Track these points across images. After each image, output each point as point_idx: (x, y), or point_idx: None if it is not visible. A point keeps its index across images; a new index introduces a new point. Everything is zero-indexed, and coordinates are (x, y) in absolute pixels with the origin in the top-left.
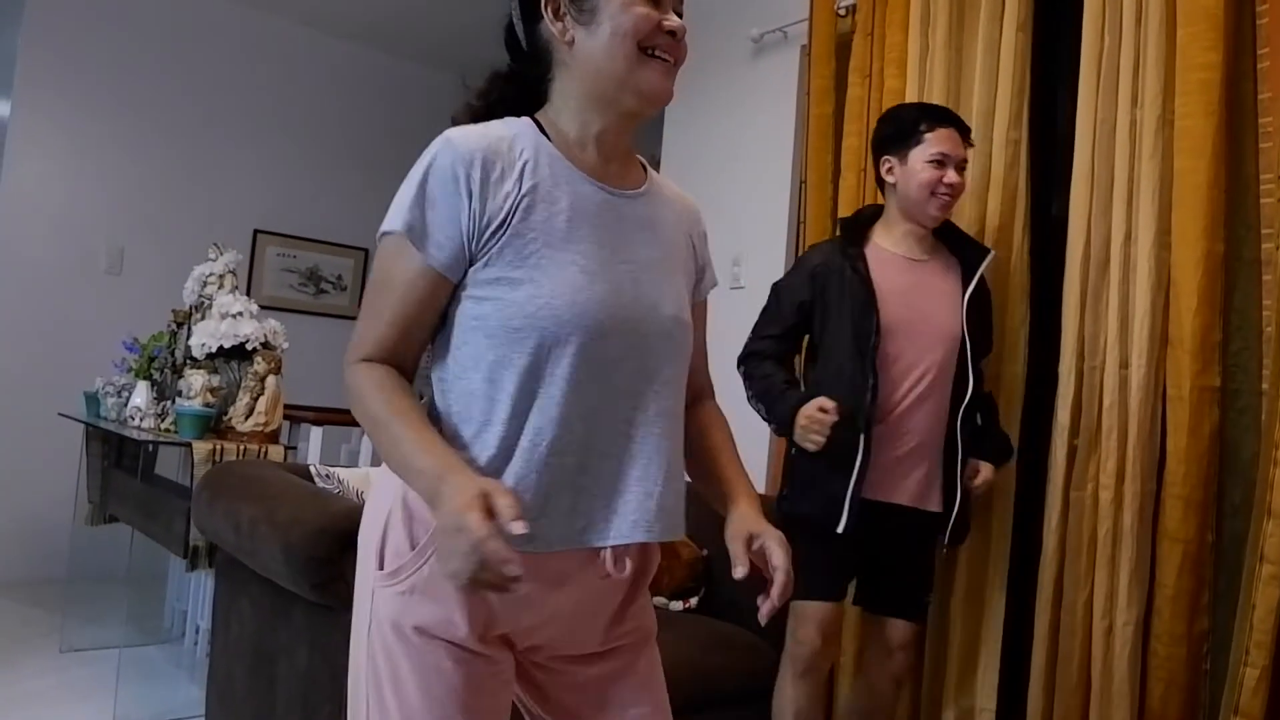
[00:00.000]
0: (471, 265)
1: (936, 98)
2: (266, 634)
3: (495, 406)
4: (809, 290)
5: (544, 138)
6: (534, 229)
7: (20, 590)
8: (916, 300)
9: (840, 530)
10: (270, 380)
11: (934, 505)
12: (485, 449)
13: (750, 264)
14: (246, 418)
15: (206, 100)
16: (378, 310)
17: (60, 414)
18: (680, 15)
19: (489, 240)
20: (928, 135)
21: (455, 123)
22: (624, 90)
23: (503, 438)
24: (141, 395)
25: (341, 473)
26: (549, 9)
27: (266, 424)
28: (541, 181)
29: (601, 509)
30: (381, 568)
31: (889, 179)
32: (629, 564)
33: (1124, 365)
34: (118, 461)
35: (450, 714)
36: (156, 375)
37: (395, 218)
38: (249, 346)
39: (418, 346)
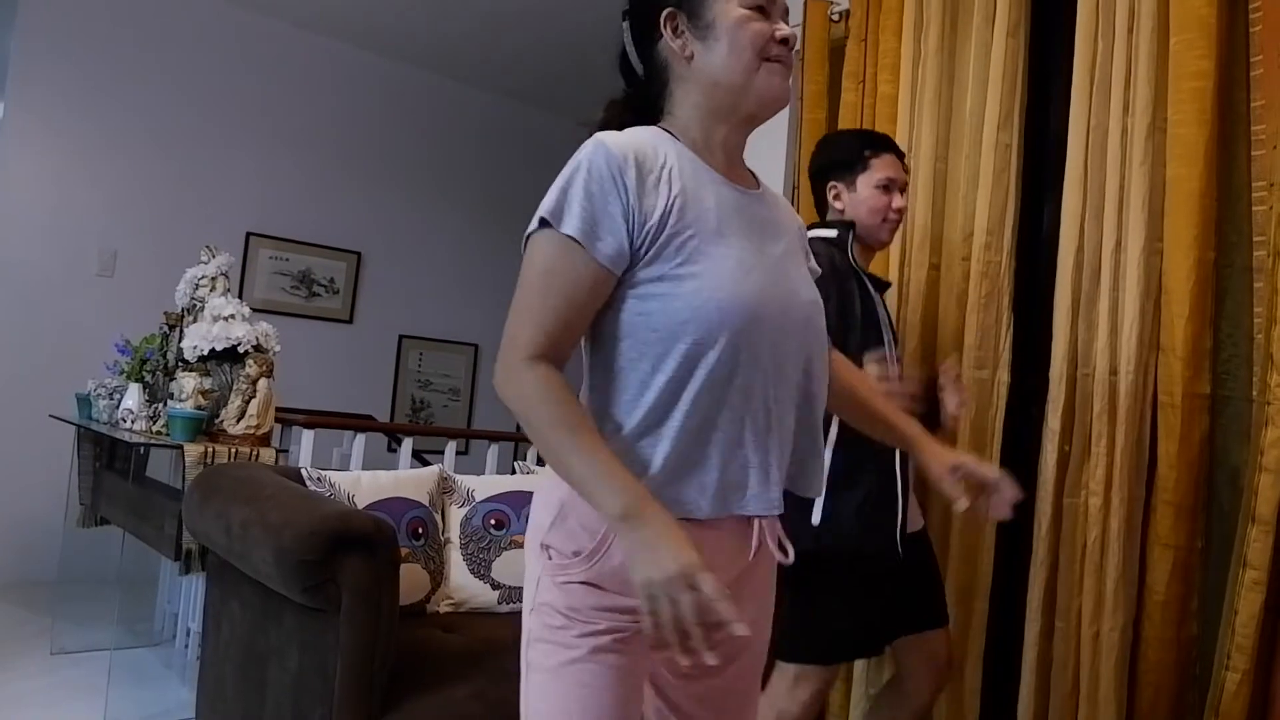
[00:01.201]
0: (633, 264)
1: (929, 102)
2: (257, 636)
3: (655, 390)
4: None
5: (680, 143)
6: (690, 227)
7: (11, 592)
8: None
9: (890, 561)
10: (262, 383)
11: (917, 524)
12: (643, 426)
13: None
14: (238, 420)
15: (199, 102)
16: (543, 307)
17: (52, 416)
18: (787, 21)
19: (649, 239)
20: (873, 161)
21: None
22: (744, 97)
23: (662, 416)
24: (133, 397)
25: (333, 476)
26: (669, 27)
27: (258, 427)
28: (687, 183)
29: (754, 482)
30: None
31: (836, 204)
32: (773, 538)
33: (1113, 371)
34: (109, 464)
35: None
36: (148, 377)
37: (565, 220)
38: (241, 349)
39: (575, 343)
